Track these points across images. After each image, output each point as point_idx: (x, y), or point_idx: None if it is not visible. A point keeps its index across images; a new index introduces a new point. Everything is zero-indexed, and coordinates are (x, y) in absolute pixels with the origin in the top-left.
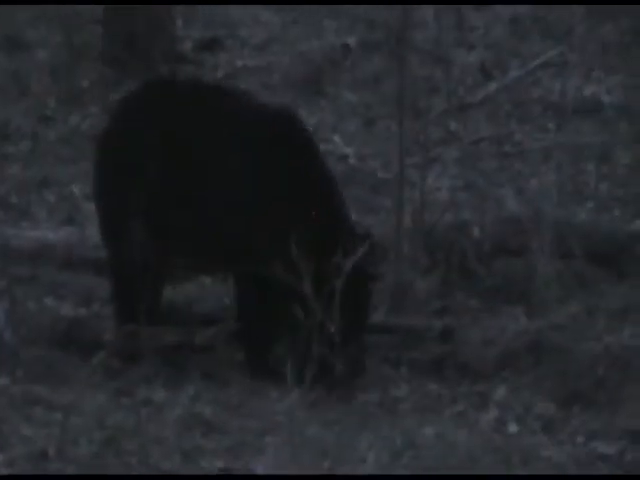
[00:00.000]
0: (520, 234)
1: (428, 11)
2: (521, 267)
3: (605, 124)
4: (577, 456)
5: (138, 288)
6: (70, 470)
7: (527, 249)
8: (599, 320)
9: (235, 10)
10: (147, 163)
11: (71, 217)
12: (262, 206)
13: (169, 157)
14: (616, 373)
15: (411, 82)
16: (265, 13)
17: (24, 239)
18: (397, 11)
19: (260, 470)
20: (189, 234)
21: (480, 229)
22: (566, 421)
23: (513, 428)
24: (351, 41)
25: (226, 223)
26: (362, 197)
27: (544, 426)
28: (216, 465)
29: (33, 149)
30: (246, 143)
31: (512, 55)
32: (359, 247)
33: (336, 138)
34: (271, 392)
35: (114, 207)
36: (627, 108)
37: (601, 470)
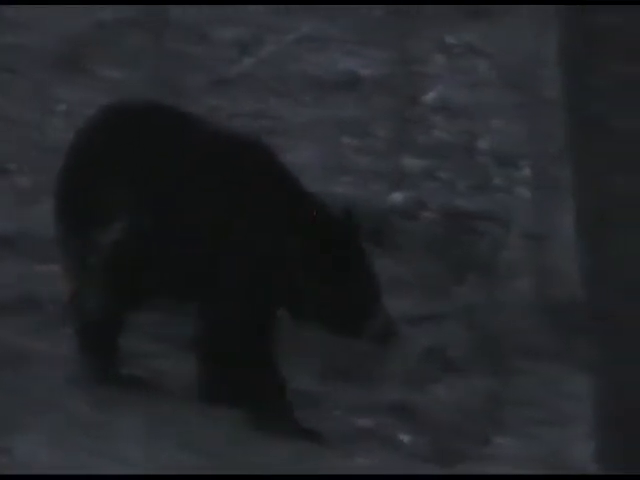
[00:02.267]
0: None
1: None
2: None
3: (363, 98)
4: (337, 430)
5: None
6: None
7: None
8: None
9: None
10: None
11: None
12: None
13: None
14: (376, 348)
15: (169, 58)
16: None
17: None
18: None
19: (21, 449)
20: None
21: None
22: (326, 395)
23: None
24: (108, 17)
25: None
26: None
27: (305, 401)
28: None
29: None
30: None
31: (270, 30)
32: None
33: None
34: (33, 368)
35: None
36: (385, 82)
37: (360, 443)
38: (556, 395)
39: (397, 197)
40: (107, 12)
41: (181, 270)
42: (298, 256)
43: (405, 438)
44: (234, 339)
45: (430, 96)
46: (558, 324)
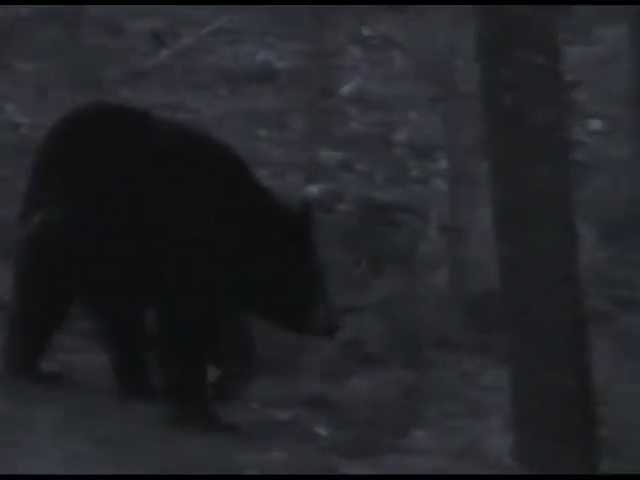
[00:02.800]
0: None
1: None
2: None
3: (279, 90)
4: (253, 422)
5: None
6: None
7: None
8: None
9: None
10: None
11: None
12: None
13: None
14: (295, 341)
15: (86, 51)
16: None
17: None
18: None
19: None
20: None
21: None
22: None
23: None
24: (26, 11)
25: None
26: None
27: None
28: None
29: None
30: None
31: (185, 22)
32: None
33: (9, 107)
34: None
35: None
36: (301, 74)
37: (277, 436)
38: (474, 388)
39: (313, 189)
40: (24, 6)
41: (126, 267)
42: (253, 250)
43: (322, 431)
44: (183, 335)
45: (346, 88)
46: (475, 317)
